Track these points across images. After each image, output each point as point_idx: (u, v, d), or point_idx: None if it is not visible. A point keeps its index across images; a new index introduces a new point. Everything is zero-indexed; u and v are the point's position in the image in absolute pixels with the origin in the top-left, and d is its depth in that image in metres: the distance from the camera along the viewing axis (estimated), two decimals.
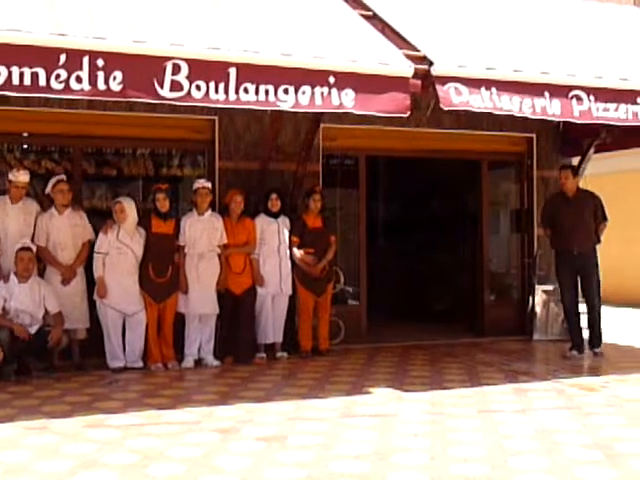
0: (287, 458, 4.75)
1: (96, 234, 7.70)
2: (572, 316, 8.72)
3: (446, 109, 6.68)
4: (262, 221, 8.31)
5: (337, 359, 8.34)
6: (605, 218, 8.68)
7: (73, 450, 4.92)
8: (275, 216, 8.36)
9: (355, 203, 9.98)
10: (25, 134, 8.36)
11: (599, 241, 8.69)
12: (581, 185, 9.86)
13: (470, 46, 7.38)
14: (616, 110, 7.20)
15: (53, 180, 7.67)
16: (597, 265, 8.64)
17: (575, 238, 8.50)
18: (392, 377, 7.38)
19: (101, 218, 8.15)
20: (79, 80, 5.53)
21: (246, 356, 8.03)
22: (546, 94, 6.90)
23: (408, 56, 6.71)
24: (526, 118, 7.15)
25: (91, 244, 7.71)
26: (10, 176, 7.51)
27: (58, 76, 5.48)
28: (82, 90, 5.55)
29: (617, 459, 4.73)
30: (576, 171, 8.86)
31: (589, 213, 8.60)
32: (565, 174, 8.64)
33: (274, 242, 8.31)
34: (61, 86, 5.49)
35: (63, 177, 7.75)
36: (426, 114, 7.82)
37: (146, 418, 5.76)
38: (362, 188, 9.80)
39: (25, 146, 8.48)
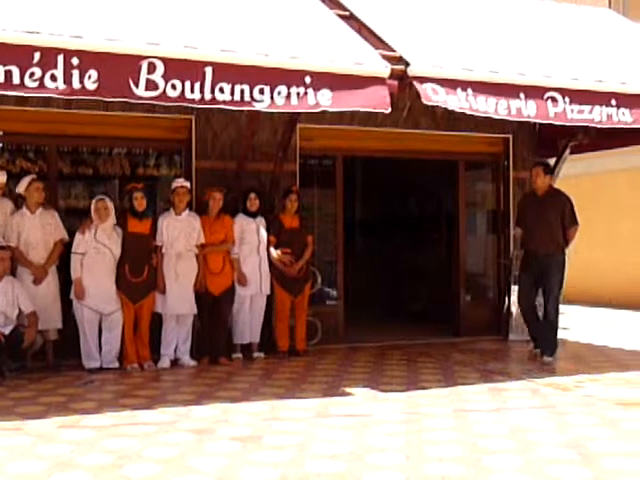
0: (262, 458, 4.74)
1: (71, 234, 7.65)
2: (528, 318, 8.47)
3: (427, 104, 6.69)
4: (242, 220, 8.30)
5: (314, 359, 8.34)
6: (575, 222, 8.33)
7: (47, 451, 4.89)
8: (253, 215, 8.35)
9: (332, 203, 9.98)
10: (0, 132, 8.28)
11: (567, 244, 8.41)
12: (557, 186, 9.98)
13: (447, 47, 7.41)
14: (591, 112, 7.24)
15: (26, 179, 7.60)
16: (561, 271, 8.28)
17: (537, 239, 8.24)
18: (368, 377, 7.39)
19: (77, 218, 8.12)
20: (54, 78, 5.49)
21: (223, 356, 8.02)
22: (522, 95, 6.94)
23: (384, 56, 6.72)
24: (503, 119, 7.18)
25: (63, 244, 7.66)
26: None
27: (32, 74, 5.44)
28: (57, 89, 5.52)
29: (590, 458, 4.77)
30: (550, 170, 8.60)
31: (556, 214, 8.25)
32: (536, 171, 8.38)
33: (254, 241, 8.31)
34: (35, 84, 5.45)
35: (34, 176, 7.68)
36: (404, 113, 7.84)
37: (121, 418, 5.73)
38: (339, 188, 9.81)
39: None
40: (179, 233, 7.87)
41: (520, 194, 9.98)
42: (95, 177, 8.80)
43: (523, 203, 8.80)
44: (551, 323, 8.20)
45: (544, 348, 8.20)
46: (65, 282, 7.71)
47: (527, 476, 4.44)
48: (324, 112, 6.61)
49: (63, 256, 7.67)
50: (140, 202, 7.74)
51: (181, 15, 6.65)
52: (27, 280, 7.47)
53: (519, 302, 8.60)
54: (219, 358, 8.00)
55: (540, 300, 8.40)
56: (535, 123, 9.73)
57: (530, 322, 8.49)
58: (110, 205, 7.64)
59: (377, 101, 6.52)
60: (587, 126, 7.90)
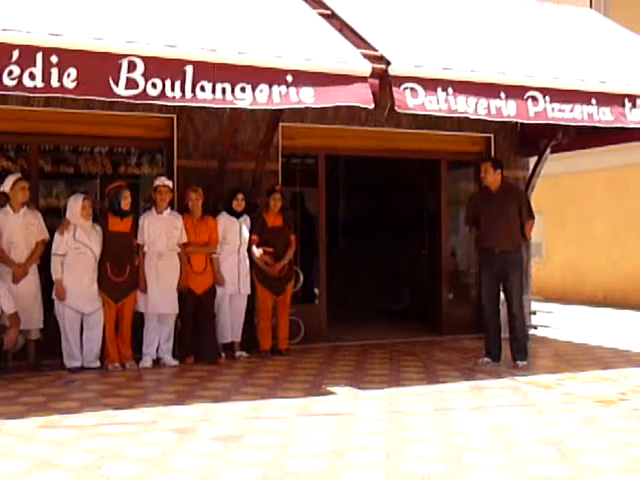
0: (243, 457, 4.74)
1: (52, 233, 7.61)
2: (489, 321, 8.09)
3: (401, 112, 6.70)
4: (225, 220, 8.28)
5: (296, 358, 8.34)
6: (531, 216, 8.05)
7: (27, 451, 4.86)
8: (238, 215, 8.34)
9: (315, 202, 9.98)
10: None
11: (525, 240, 8.23)
12: (538, 186, 10.03)
13: (428, 46, 7.42)
14: (571, 111, 7.26)
15: (12, 178, 7.54)
16: (520, 267, 8.05)
17: (496, 236, 7.89)
18: (350, 376, 7.40)
19: (57, 217, 8.07)
20: (32, 77, 5.45)
21: (211, 356, 7.99)
22: (502, 95, 6.95)
23: (366, 55, 6.72)
24: (484, 118, 7.20)
25: (45, 244, 7.62)
26: None
27: (10, 72, 5.39)
28: (35, 87, 5.48)
29: (570, 455, 4.80)
30: (500, 165, 8.11)
31: (512, 210, 7.93)
32: (485, 167, 8.05)
33: (235, 242, 8.29)
34: (14, 82, 5.41)
35: (19, 175, 7.64)
36: (386, 112, 7.83)
37: (102, 418, 5.72)
38: (321, 187, 9.81)
39: None
40: (160, 232, 7.85)
41: None
42: (76, 176, 8.77)
43: (475, 200, 8.44)
44: (519, 326, 7.93)
45: (516, 353, 7.90)
46: (46, 282, 7.66)
47: (507, 474, 4.46)
48: (306, 111, 6.64)
49: (44, 256, 7.62)
50: (128, 201, 7.72)
51: (162, 13, 6.62)
52: (8, 279, 7.42)
53: (482, 304, 8.23)
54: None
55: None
56: (517, 122, 9.77)
57: (487, 326, 8.14)
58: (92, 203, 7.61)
59: (361, 97, 6.52)
60: (567, 125, 7.95)
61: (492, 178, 7.99)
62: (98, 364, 7.64)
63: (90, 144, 8.76)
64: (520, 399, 6.48)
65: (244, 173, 8.79)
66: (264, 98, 6.17)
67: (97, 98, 6.00)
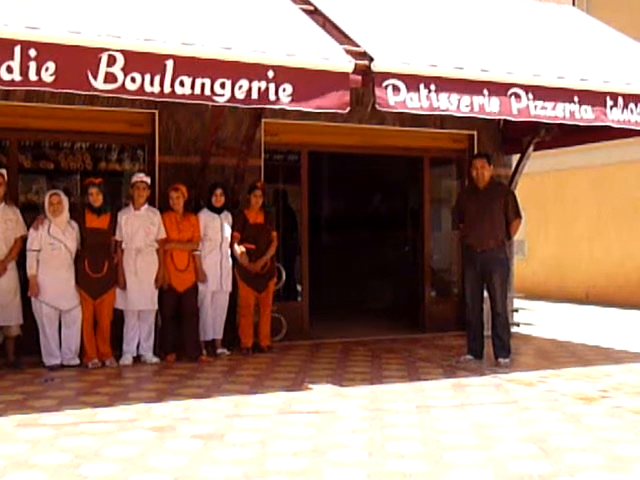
0: (223, 456, 4.70)
1: (29, 229, 7.53)
2: (472, 319, 8.07)
3: (382, 110, 6.67)
4: (205, 216, 8.23)
5: (278, 356, 8.30)
6: (518, 215, 7.97)
7: (3, 450, 4.80)
8: (218, 211, 8.29)
9: (297, 199, 9.95)
10: None
11: (509, 238, 8.10)
12: (521, 184, 10.03)
13: (411, 43, 7.38)
14: (554, 108, 7.26)
15: None
16: (504, 266, 7.96)
17: (479, 234, 7.84)
18: (332, 373, 7.37)
19: (37, 213, 7.98)
20: (10, 70, 5.38)
21: (193, 354, 7.94)
22: (485, 92, 6.93)
23: (349, 51, 6.68)
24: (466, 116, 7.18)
25: (24, 240, 7.54)
26: None
27: None
28: (12, 81, 5.41)
29: (551, 453, 4.79)
30: (491, 161, 8.10)
31: (498, 208, 7.86)
32: (481, 162, 7.95)
33: (217, 238, 8.24)
34: None
35: (2, 171, 7.54)
36: (367, 110, 7.80)
37: (81, 417, 5.65)
38: (304, 184, 9.77)
39: None
40: (138, 228, 7.78)
41: None
42: (56, 171, 8.69)
43: (463, 197, 8.44)
44: (502, 324, 7.90)
45: (499, 350, 7.86)
46: (25, 278, 7.58)
47: (488, 471, 4.44)
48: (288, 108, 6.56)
49: (23, 252, 7.53)
50: (96, 197, 7.64)
51: (142, 7, 6.54)
52: None
53: (465, 300, 8.20)
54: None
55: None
56: (499, 120, 9.76)
57: (470, 324, 8.12)
58: (64, 199, 7.51)
59: (336, 101, 6.46)
60: (550, 123, 7.95)
61: (488, 173, 7.94)
62: (77, 362, 7.57)
63: (70, 139, 8.67)
64: (502, 397, 6.47)
65: (226, 169, 8.74)
66: (242, 95, 6.12)
67: (76, 92, 5.93)
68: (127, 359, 7.78)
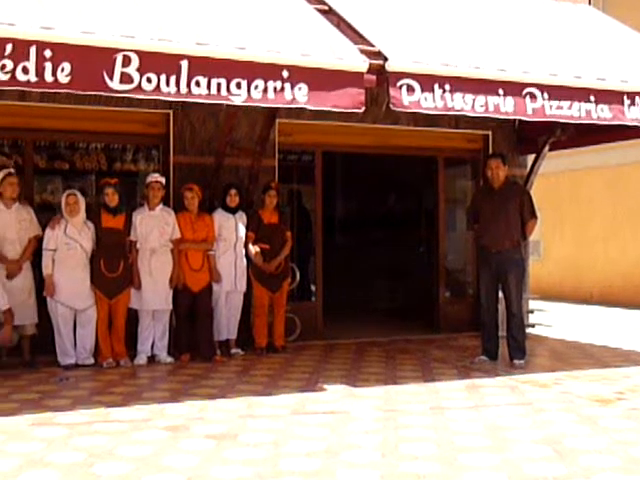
0: (236, 456, 4.69)
1: (45, 229, 7.56)
2: (486, 320, 8.02)
3: (396, 110, 6.65)
4: (220, 217, 8.24)
5: (292, 356, 8.29)
6: (534, 215, 7.91)
7: (18, 449, 4.82)
8: (233, 211, 8.30)
9: (311, 199, 9.94)
10: None
11: (524, 239, 8.04)
12: (536, 184, 9.98)
13: (426, 42, 7.36)
14: (570, 108, 7.21)
15: (1, 173, 7.50)
16: (519, 266, 7.92)
17: (494, 235, 7.80)
18: (346, 374, 7.35)
19: (52, 213, 8.03)
20: (25, 71, 5.40)
21: (207, 353, 7.94)
22: (500, 91, 6.89)
23: (363, 51, 6.66)
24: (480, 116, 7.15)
25: (38, 240, 7.57)
26: None
27: (4, 66, 5.34)
28: (29, 81, 5.43)
29: (567, 455, 4.75)
30: (506, 161, 8.06)
31: (513, 208, 7.81)
32: (496, 163, 7.91)
33: (231, 238, 8.25)
34: (6, 77, 5.35)
35: (11, 170, 7.60)
36: (384, 109, 7.78)
37: (95, 416, 5.67)
38: (318, 184, 9.77)
39: None
40: (152, 228, 7.80)
41: None
42: (71, 172, 8.72)
43: (478, 197, 8.41)
44: (517, 325, 7.87)
45: (514, 352, 7.82)
46: (40, 278, 7.62)
47: (503, 473, 4.41)
48: (303, 107, 6.56)
49: (38, 252, 7.57)
50: (111, 198, 7.67)
51: (157, 8, 6.56)
52: (2, 275, 7.37)
53: (480, 301, 8.15)
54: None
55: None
56: (515, 120, 9.72)
57: (485, 325, 8.08)
58: (81, 200, 7.55)
59: (351, 100, 6.45)
60: (565, 123, 7.90)
61: (503, 174, 7.89)
62: (92, 361, 7.59)
63: (85, 140, 8.70)
64: (517, 398, 6.43)
65: (241, 170, 8.75)
66: (258, 95, 6.12)
67: (91, 93, 5.94)
68: (141, 359, 7.80)
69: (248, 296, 8.51)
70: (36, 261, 7.59)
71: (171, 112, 8.60)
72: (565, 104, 7.13)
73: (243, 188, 8.51)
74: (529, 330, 9.71)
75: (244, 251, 8.34)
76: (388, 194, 13.05)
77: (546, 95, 7.04)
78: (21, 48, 5.40)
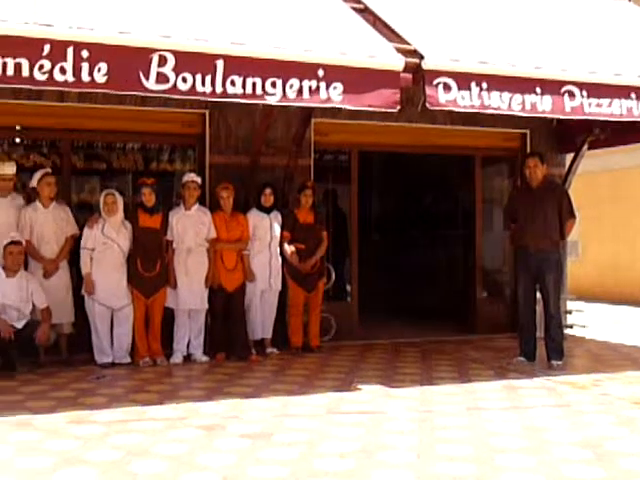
0: (271, 455, 4.69)
1: (82, 229, 7.62)
2: (524, 320, 7.94)
3: (433, 109, 6.61)
4: (254, 216, 8.25)
5: (327, 356, 8.28)
6: (572, 215, 7.83)
7: (55, 446, 4.86)
8: (267, 211, 8.30)
9: (347, 199, 9.92)
10: (18, 127, 8.25)
11: (562, 239, 7.92)
12: (574, 183, 9.85)
13: (462, 41, 7.30)
14: (609, 106, 7.10)
15: (39, 173, 7.60)
16: (558, 267, 7.83)
17: (531, 234, 7.72)
18: (381, 374, 7.32)
19: (90, 212, 8.12)
20: (63, 71, 5.44)
21: (242, 353, 7.95)
22: (538, 90, 6.81)
23: (399, 49, 6.62)
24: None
25: (75, 239, 7.65)
26: None
27: (42, 67, 5.39)
28: (66, 81, 5.47)
29: (606, 458, 4.68)
30: (544, 160, 7.96)
31: (552, 208, 7.71)
32: (534, 161, 7.83)
33: (266, 238, 8.26)
34: (44, 77, 5.41)
35: (49, 170, 7.68)
36: (418, 109, 7.72)
37: (131, 414, 5.70)
38: (354, 183, 9.73)
39: (14, 140, 8.40)
40: (188, 228, 7.84)
41: None
42: (108, 172, 8.80)
43: (515, 197, 8.32)
44: (555, 326, 7.78)
45: (551, 353, 7.73)
46: (77, 276, 7.69)
47: (540, 475, 4.36)
48: (339, 107, 6.54)
49: (75, 251, 7.64)
50: (149, 197, 7.71)
51: (192, 7, 6.58)
52: (39, 274, 7.46)
53: (518, 301, 8.07)
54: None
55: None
56: (553, 118, 9.61)
57: (523, 326, 7.99)
58: (119, 199, 7.60)
59: (386, 99, 6.42)
60: (605, 121, 7.78)
61: (541, 173, 7.81)
62: (129, 360, 7.65)
63: (122, 140, 8.77)
64: (555, 400, 6.35)
65: (276, 169, 8.74)
66: (293, 94, 6.11)
67: (128, 93, 5.97)
68: (177, 358, 7.83)
69: (283, 296, 8.51)
70: (73, 260, 7.67)
71: (207, 112, 8.63)
72: (604, 102, 7.02)
73: (278, 188, 8.51)
74: (567, 331, 9.59)
75: (279, 250, 8.35)
76: (424, 194, 12.97)
77: (585, 93, 6.94)
78: (58, 48, 5.44)
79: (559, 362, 7.72)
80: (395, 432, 5.26)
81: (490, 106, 6.67)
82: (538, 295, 7.98)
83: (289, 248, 8.36)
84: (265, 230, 8.26)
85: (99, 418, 5.56)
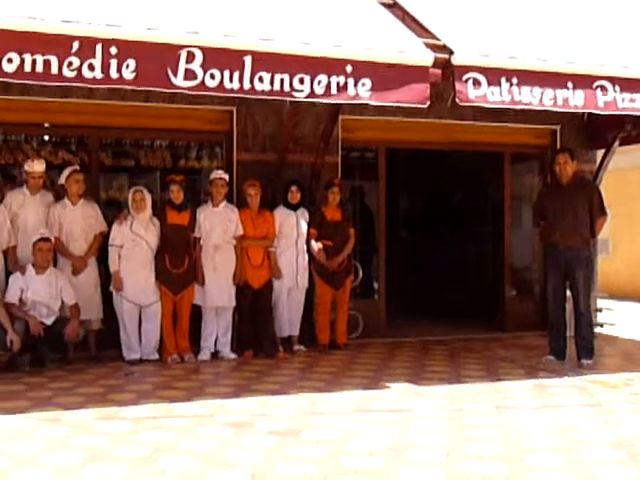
0: (300, 453, 4.68)
1: (110, 226, 7.65)
2: (554, 318, 7.84)
3: (462, 105, 6.55)
4: (281, 213, 8.24)
5: (354, 353, 8.24)
6: (603, 212, 7.73)
7: (84, 442, 4.87)
8: (294, 208, 8.29)
9: (374, 196, 9.87)
10: (46, 125, 8.30)
11: (593, 236, 7.82)
12: (605, 179, 9.72)
13: (491, 36, 7.24)
14: None
15: (67, 170, 7.64)
16: (588, 264, 7.75)
17: (560, 232, 7.64)
18: (410, 372, 7.27)
19: (118, 210, 8.15)
20: (91, 68, 5.45)
21: (270, 350, 7.95)
22: (569, 85, 6.73)
23: (428, 45, 6.57)
24: (548, 110, 6.99)
25: (103, 236, 7.68)
26: (26, 167, 7.52)
27: (70, 64, 5.41)
28: (94, 78, 5.48)
29: (639, 458, 4.61)
30: (574, 156, 7.88)
31: (582, 204, 7.63)
32: (564, 157, 7.74)
33: (292, 235, 8.24)
34: (73, 74, 5.42)
35: (77, 167, 7.72)
36: (449, 104, 7.65)
37: (159, 411, 5.71)
38: (381, 180, 9.68)
39: (42, 137, 8.45)
40: (216, 225, 7.83)
41: None
42: (136, 169, 8.82)
43: (545, 193, 8.24)
44: (586, 324, 7.69)
45: (581, 351, 7.65)
46: (106, 274, 7.72)
47: (571, 476, 4.31)
48: (366, 103, 6.50)
49: (104, 247, 7.67)
50: (177, 195, 7.71)
51: (220, 3, 6.57)
52: (68, 271, 7.50)
53: (548, 299, 7.97)
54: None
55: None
56: (584, 114, 9.51)
57: (552, 324, 7.89)
58: (147, 196, 7.62)
59: (416, 95, 6.37)
60: (636, 116, 7.67)
61: (571, 169, 7.72)
62: (157, 356, 7.66)
63: (150, 137, 8.79)
64: (586, 399, 6.27)
65: (303, 166, 8.71)
66: (321, 90, 6.08)
67: (156, 89, 5.97)
68: (205, 354, 7.83)
69: (310, 293, 8.49)
70: (101, 257, 7.69)
71: (234, 109, 8.62)
72: (638, 97, 6.92)
73: (305, 185, 8.49)
74: (597, 329, 9.47)
75: (306, 248, 8.33)
76: (452, 190, 12.88)
77: (617, 88, 6.84)
78: (87, 45, 5.45)
79: (589, 361, 7.63)
80: (424, 430, 5.22)
81: (521, 101, 6.59)
82: (568, 293, 7.90)
83: (316, 245, 8.33)
84: (292, 227, 8.25)
85: (127, 414, 5.58)
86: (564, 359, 7.80)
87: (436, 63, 6.42)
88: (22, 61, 5.31)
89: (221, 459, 4.56)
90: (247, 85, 5.85)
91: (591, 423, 5.46)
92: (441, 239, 12.45)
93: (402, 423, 5.41)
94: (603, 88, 6.82)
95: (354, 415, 5.64)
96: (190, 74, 5.70)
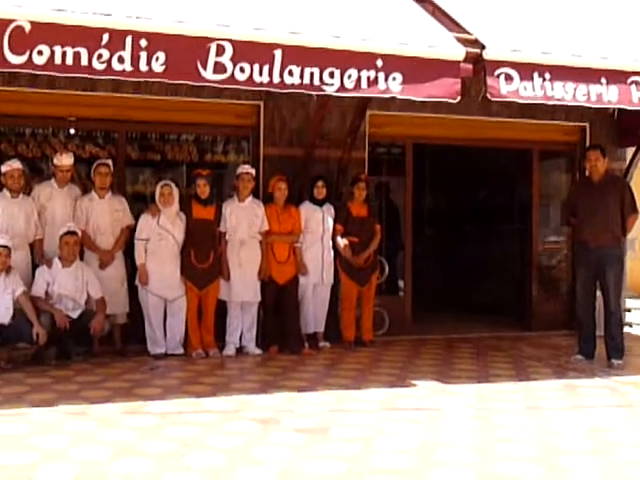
0: (328, 451, 4.63)
1: (138, 219, 7.63)
2: (583, 318, 7.75)
3: (494, 100, 6.47)
4: (307, 209, 8.18)
5: (380, 350, 8.18)
6: (635, 209, 7.64)
7: (111, 437, 4.85)
8: (320, 204, 8.23)
9: (400, 192, 9.80)
10: (72, 118, 8.29)
11: (624, 234, 7.71)
12: (636, 177, 9.59)
13: (523, 30, 7.15)
14: None
15: (94, 164, 7.62)
16: (619, 263, 7.63)
17: (592, 230, 7.55)
18: (437, 370, 7.21)
19: (144, 203, 8.12)
20: (121, 60, 5.43)
21: (295, 346, 7.90)
22: (603, 80, 6.64)
23: (459, 39, 6.49)
24: (579, 106, 6.90)
25: (130, 230, 7.66)
26: (55, 160, 7.51)
27: (100, 56, 5.38)
28: (124, 71, 5.46)
29: None
30: (605, 153, 7.76)
31: (613, 202, 7.52)
32: (595, 154, 7.65)
33: (318, 231, 8.19)
34: (103, 66, 5.40)
35: (107, 161, 7.69)
36: (477, 100, 7.56)
37: (185, 406, 5.68)
38: (409, 176, 9.60)
39: (70, 130, 8.44)
40: (242, 220, 7.79)
41: None
42: (163, 163, 8.78)
43: (576, 191, 8.16)
44: (616, 324, 7.58)
45: (611, 351, 7.52)
46: (132, 267, 7.71)
47: (605, 478, 4.22)
48: (394, 98, 6.44)
49: (131, 242, 7.66)
50: (203, 189, 7.68)
51: None
52: (94, 265, 7.49)
53: (577, 298, 7.89)
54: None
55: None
56: (614, 111, 9.39)
57: (582, 324, 7.80)
58: (175, 191, 7.59)
59: (447, 89, 6.30)
60: None
61: (602, 166, 7.63)
62: (182, 351, 7.64)
63: (177, 131, 8.75)
64: (617, 400, 6.18)
65: (330, 162, 8.65)
66: (351, 84, 6.03)
67: (185, 82, 5.94)
68: (230, 350, 7.80)
69: (336, 289, 8.44)
70: (128, 251, 7.68)
71: (261, 103, 8.57)
72: None
73: (332, 180, 8.43)
74: (627, 329, 9.33)
75: (331, 243, 8.27)
76: (480, 187, 12.77)
77: None
78: (117, 38, 5.43)
79: (619, 361, 7.51)
80: (453, 430, 5.16)
81: (553, 97, 6.51)
82: (597, 292, 7.79)
83: (342, 241, 8.28)
84: (317, 223, 8.19)
85: (153, 409, 5.56)
86: (593, 359, 7.70)
87: (467, 58, 6.34)
88: (52, 53, 5.30)
89: (248, 455, 4.52)
90: (277, 79, 5.81)
91: (624, 424, 5.37)
92: (467, 236, 12.35)
93: (430, 422, 5.35)
94: (637, 84, 6.71)
95: (382, 413, 5.58)
96: (220, 67, 5.66)
